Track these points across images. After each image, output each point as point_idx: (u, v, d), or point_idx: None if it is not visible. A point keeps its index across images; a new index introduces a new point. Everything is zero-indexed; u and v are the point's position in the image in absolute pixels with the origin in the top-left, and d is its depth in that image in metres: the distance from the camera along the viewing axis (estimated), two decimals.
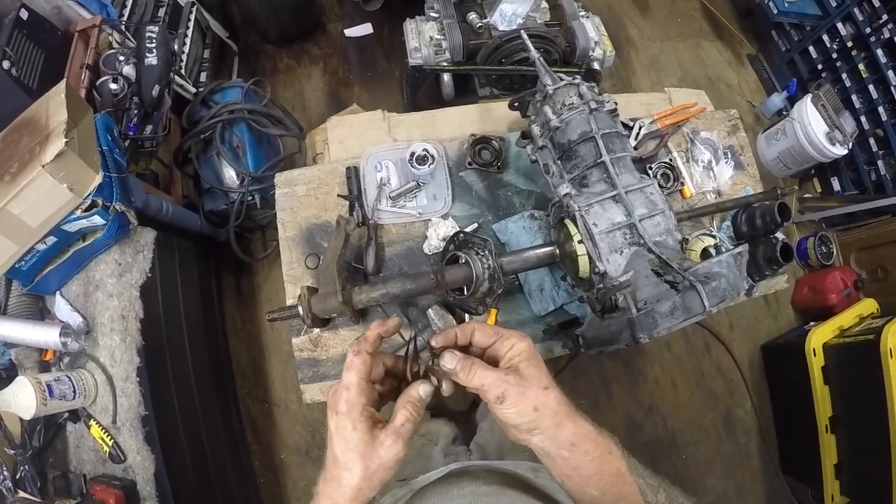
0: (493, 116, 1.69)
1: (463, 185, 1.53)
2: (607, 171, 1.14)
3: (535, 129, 1.28)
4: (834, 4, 3.22)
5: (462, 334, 0.73)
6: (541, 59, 1.34)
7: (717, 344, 2.94)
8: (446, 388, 0.70)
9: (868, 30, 3.00)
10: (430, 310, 1.33)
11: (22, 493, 1.46)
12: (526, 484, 0.86)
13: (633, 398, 2.83)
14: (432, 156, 1.44)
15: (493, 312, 1.40)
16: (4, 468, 1.45)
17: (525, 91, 1.40)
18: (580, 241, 1.11)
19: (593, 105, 1.19)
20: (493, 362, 0.70)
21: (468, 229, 1.44)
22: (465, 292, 1.20)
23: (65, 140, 1.37)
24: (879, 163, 3.01)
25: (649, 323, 0.97)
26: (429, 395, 0.68)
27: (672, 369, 2.90)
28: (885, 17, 2.91)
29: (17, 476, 1.47)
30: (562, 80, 1.25)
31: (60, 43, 2.01)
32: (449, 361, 0.67)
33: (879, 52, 2.95)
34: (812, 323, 2.72)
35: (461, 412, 1.92)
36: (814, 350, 2.51)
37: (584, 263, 1.11)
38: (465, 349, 0.73)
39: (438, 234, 1.41)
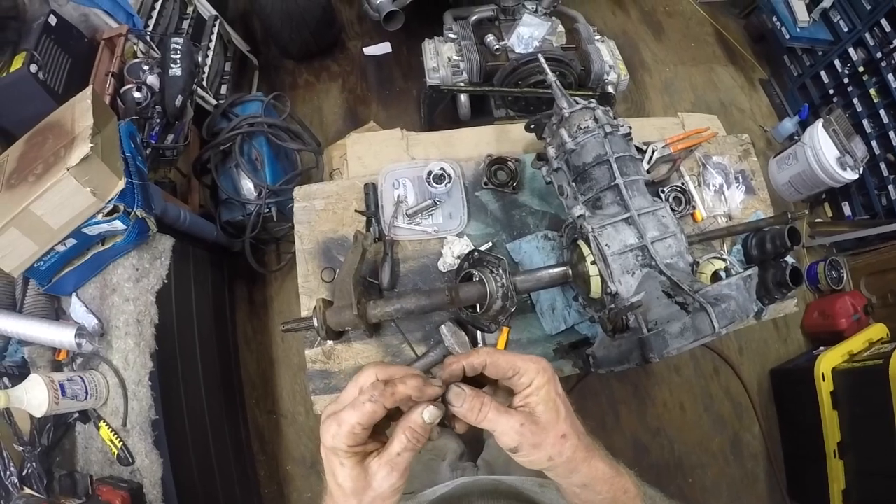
0: (510, 138, 1.71)
1: (478, 204, 1.55)
2: (620, 194, 1.16)
3: (551, 152, 1.30)
4: (846, 30, 3.24)
5: (470, 366, 0.62)
6: (557, 82, 1.36)
7: (725, 367, 2.94)
8: (459, 427, 0.61)
9: (879, 55, 3.01)
10: (443, 326, 1.35)
11: (28, 490, 1.47)
12: (532, 501, 0.86)
13: (641, 420, 2.82)
14: (449, 175, 1.47)
15: (506, 330, 1.42)
16: (12, 464, 1.47)
17: (541, 113, 1.42)
18: (593, 262, 1.12)
19: (608, 129, 1.21)
20: (508, 390, 0.63)
21: (483, 248, 1.46)
22: (479, 310, 1.22)
23: (90, 145, 1.41)
24: (890, 187, 3.01)
25: (660, 343, 0.98)
26: (434, 419, 0.57)
27: (680, 392, 2.89)
28: None
29: (24, 472, 1.48)
30: (578, 103, 1.28)
31: (87, 50, 2.06)
32: (455, 399, 0.59)
33: (890, 76, 2.96)
34: (821, 347, 2.71)
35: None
36: (823, 375, 2.50)
37: (596, 284, 1.13)
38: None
39: (453, 251, 1.43)
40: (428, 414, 0.57)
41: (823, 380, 2.49)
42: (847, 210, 3.29)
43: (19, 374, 1.59)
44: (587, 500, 0.63)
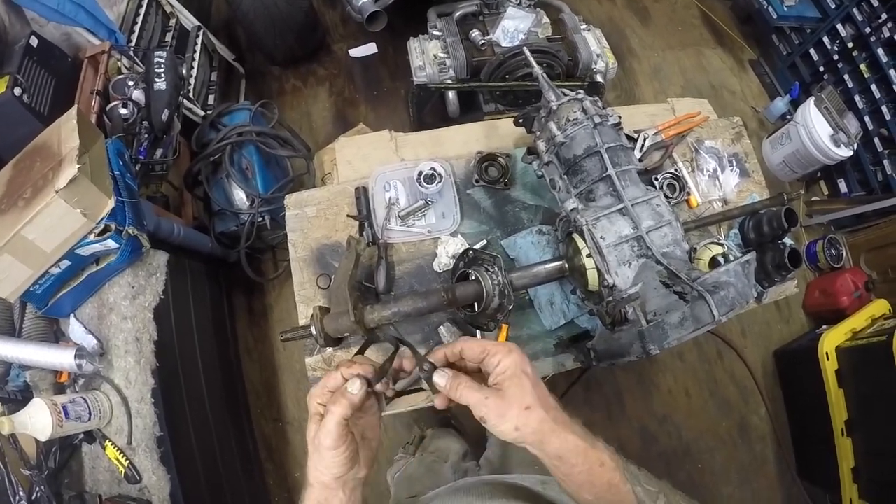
0: (499, 133, 1.70)
1: (471, 202, 1.54)
2: (613, 185, 1.15)
3: (541, 145, 1.30)
4: (833, 6, 3.24)
5: (451, 352, 0.75)
6: (544, 75, 1.35)
7: (729, 351, 2.93)
8: (439, 403, 0.74)
9: (868, 29, 3.01)
10: (441, 327, 1.34)
11: None
12: (534, 495, 0.87)
13: (647, 409, 2.81)
14: (440, 174, 1.46)
15: (505, 328, 1.41)
16: (20, 489, 1.46)
17: (530, 107, 1.41)
18: (588, 255, 1.12)
19: (597, 119, 1.20)
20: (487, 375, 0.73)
21: (477, 246, 1.45)
22: (476, 309, 1.21)
23: (77, 166, 1.40)
24: (885, 162, 3.01)
25: (659, 334, 0.98)
26: (358, 390, 0.71)
27: (685, 378, 2.89)
28: (884, 16, 2.93)
29: (33, 497, 1.47)
30: (565, 95, 1.27)
31: (70, 69, 2.05)
32: (439, 379, 0.72)
33: (880, 51, 2.96)
34: (824, 326, 2.70)
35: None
36: (827, 354, 2.50)
37: (593, 277, 1.12)
38: (462, 363, 0.76)
39: (448, 251, 1.42)
40: (352, 385, 0.71)
41: (828, 359, 2.49)
42: (843, 187, 3.28)
43: (22, 398, 1.59)
44: (566, 472, 0.69)
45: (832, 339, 2.53)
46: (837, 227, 3.25)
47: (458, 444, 1.77)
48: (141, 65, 2.23)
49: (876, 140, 3.05)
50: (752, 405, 2.90)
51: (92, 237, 1.53)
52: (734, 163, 1.70)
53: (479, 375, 0.74)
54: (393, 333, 0.86)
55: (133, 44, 2.32)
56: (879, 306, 2.71)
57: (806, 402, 2.72)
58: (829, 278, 3.01)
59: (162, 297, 1.77)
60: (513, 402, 0.67)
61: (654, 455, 2.72)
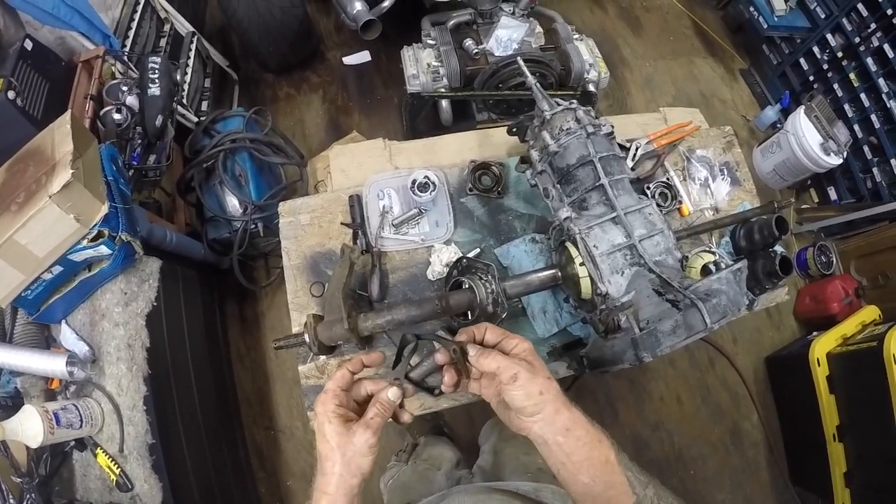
0: (493, 142, 1.71)
1: (464, 210, 1.54)
2: (606, 194, 1.16)
3: (534, 154, 1.30)
4: (823, 16, 3.28)
5: (478, 332, 0.83)
6: (537, 84, 1.36)
7: (720, 358, 2.95)
8: (448, 380, 0.81)
9: (857, 39, 3.05)
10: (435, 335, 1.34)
11: None
12: (527, 500, 0.90)
13: (640, 416, 2.83)
14: (433, 183, 1.46)
15: None
16: (11, 497, 1.45)
17: (523, 116, 1.42)
18: (581, 264, 1.12)
19: (590, 129, 1.21)
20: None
21: (471, 254, 1.46)
22: (470, 317, 1.21)
23: (71, 171, 1.39)
24: (875, 170, 3.05)
25: (652, 342, 0.98)
26: (397, 397, 0.79)
27: (677, 385, 2.90)
28: (873, 25, 2.97)
29: None
30: (559, 105, 1.28)
31: (64, 73, 2.04)
32: (471, 349, 0.79)
33: (869, 60, 3.00)
34: (815, 333, 2.73)
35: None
36: (818, 360, 2.51)
37: (586, 285, 1.13)
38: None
39: (441, 260, 1.43)
40: (391, 392, 0.79)
41: (819, 365, 2.51)
42: (833, 195, 3.32)
43: (13, 404, 1.57)
44: (570, 449, 0.73)
45: (823, 346, 2.55)
46: (828, 235, 3.27)
47: (451, 452, 1.77)
48: (135, 70, 2.23)
49: (865, 148, 3.10)
50: (743, 411, 2.91)
51: (85, 243, 1.52)
52: (725, 171, 1.71)
53: None
54: (414, 332, 0.90)
55: (127, 49, 2.32)
56: (870, 312, 2.73)
57: (797, 408, 2.74)
58: (820, 285, 3.03)
59: (154, 303, 1.77)
60: (539, 370, 0.76)
61: (646, 462, 2.71)
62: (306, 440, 2.58)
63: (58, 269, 1.54)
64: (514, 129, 1.46)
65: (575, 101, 1.30)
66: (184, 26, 2.75)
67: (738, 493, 2.78)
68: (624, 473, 0.74)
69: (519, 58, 1.66)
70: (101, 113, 2.00)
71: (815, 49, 3.34)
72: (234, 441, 2.39)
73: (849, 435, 2.44)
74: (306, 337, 1.17)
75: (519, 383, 0.73)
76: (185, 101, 2.52)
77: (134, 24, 2.40)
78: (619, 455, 0.75)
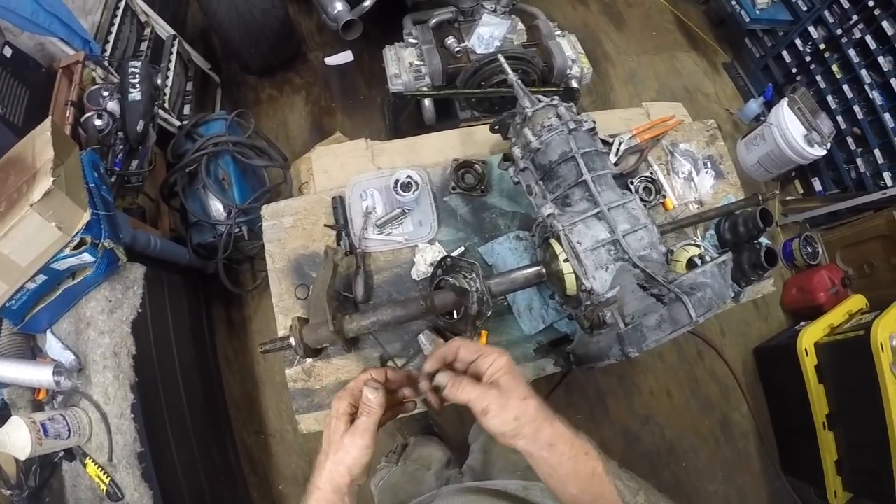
0: (475, 140, 1.71)
1: (448, 209, 1.54)
2: (589, 190, 1.16)
3: (517, 152, 1.30)
4: (805, 9, 3.30)
5: (449, 351, 0.81)
6: (518, 81, 1.36)
7: (709, 350, 2.96)
8: (434, 402, 0.81)
9: (839, 31, 3.07)
10: (421, 335, 1.34)
11: None
12: (517, 499, 0.89)
13: (630, 410, 2.83)
14: (416, 182, 1.46)
15: (484, 334, 1.41)
16: None
17: (505, 113, 1.41)
18: (566, 260, 1.12)
19: (572, 125, 1.21)
20: (477, 377, 0.78)
21: (455, 253, 1.46)
22: (455, 316, 1.21)
23: (52, 178, 1.38)
24: (858, 160, 3.07)
25: (637, 337, 0.99)
26: (373, 394, 0.77)
27: (666, 379, 2.91)
28: (855, 17, 2.99)
29: None
30: (540, 101, 1.28)
31: (44, 80, 2.02)
32: (441, 379, 0.77)
33: (851, 52, 3.02)
34: (802, 323, 2.74)
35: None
36: (806, 350, 2.53)
37: (570, 281, 1.13)
38: (451, 365, 0.82)
39: (426, 259, 1.42)
40: (367, 391, 0.77)
41: (807, 354, 2.53)
42: (818, 185, 3.34)
43: (0, 417, 1.55)
44: (555, 463, 0.73)
45: (811, 335, 2.57)
46: (813, 225, 3.30)
47: (441, 452, 1.77)
48: (116, 75, 2.20)
49: (849, 139, 3.12)
50: (733, 403, 2.92)
51: (67, 251, 1.51)
52: (709, 165, 1.72)
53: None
54: (385, 356, 0.90)
55: (108, 54, 2.30)
56: (856, 301, 2.75)
57: (787, 398, 2.76)
58: (806, 275, 3.05)
59: (139, 310, 1.75)
60: (512, 393, 0.73)
61: (637, 455, 2.73)
62: (297, 444, 2.56)
63: (41, 278, 1.52)
64: (497, 127, 1.46)
65: (557, 97, 1.30)
66: (165, 30, 2.73)
67: (730, 484, 2.80)
68: (613, 483, 0.74)
69: (500, 55, 1.67)
70: (83, 119, 1.98)
71: (798, 41, 3.36)
72: (224, 446, 2.37)
73: (839, 423, 2.46)
74: (292, 340, 1.16)
75: (491, 414, 0.72)
76: (166, 105, 2.49)
77: (114, 29, 2.37)
78: (607, 464, 0.75)
